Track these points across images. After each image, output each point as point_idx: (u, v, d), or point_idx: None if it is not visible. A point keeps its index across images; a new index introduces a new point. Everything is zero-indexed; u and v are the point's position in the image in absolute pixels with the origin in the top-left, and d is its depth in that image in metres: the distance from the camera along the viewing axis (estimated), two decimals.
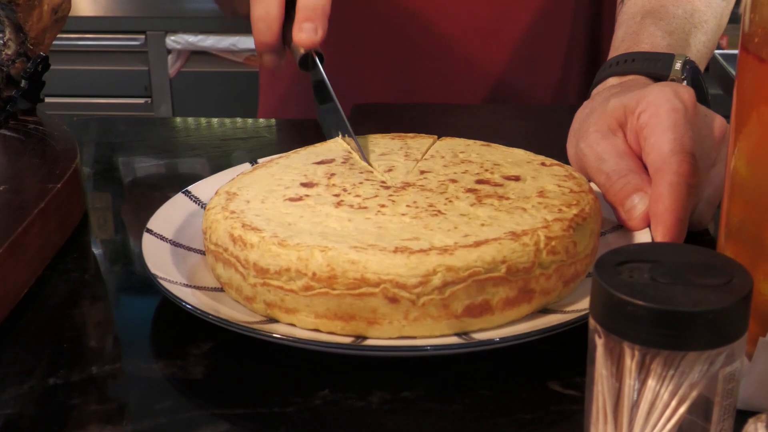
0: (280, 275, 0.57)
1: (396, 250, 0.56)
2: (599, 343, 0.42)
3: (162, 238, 0.67)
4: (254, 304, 0.59)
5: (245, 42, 2.56)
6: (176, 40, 2.61)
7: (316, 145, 0.76)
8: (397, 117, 0.95)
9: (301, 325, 0.58)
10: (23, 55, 0.83)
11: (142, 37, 2.63)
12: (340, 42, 1.11)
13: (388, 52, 1.12)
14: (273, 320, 0.59)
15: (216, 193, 0.68)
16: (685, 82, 0.79)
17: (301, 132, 1.05)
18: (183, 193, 0.73)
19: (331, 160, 0.72)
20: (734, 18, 0.90)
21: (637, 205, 0.67)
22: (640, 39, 0.84)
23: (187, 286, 0.61)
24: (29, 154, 0.78)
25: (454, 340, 0.56)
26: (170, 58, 2.65)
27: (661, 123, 0.67)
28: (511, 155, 0.73)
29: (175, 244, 0.67)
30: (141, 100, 2.68)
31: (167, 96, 2.67)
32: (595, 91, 0.83)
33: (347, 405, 0.54)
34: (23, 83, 0.84)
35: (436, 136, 0.77)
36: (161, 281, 0.60)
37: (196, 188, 0.74)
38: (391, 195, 0.65)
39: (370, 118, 0.97)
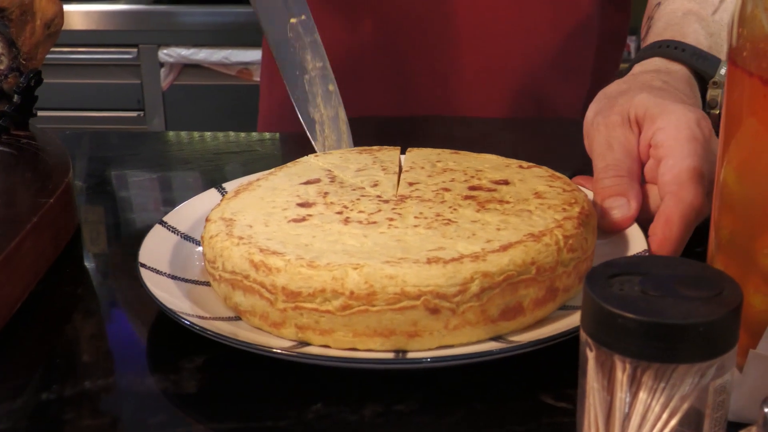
0: (314, 297, 0.56)
1: (429, 261, 0.56)
2: (590, 355, 0.42)
3: (158, 272, 0.64)
4: (283, 329, 0.58)
5: (238, 55, 2.56)
6: (169, 54, 2.61)
7: (289, 165, 0.75)
8: (388, 129, 0.95)
9: (337, 345, 0.57)
10: (16, 70, 0.83)
11: (135, 50, 2.63)
12: (339, 55, 1.12)
13: (384, 66, 1.12)
14: (304, 343, 0.58)
15: (207, 220, 0.66)
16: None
17: (295, 146, 1.05)
18: (160, 224, 0.70)
19: (317, 180, 0.71)
20: None
21: (614, 210, 0.68)
22: (685, 32, 0.84)
23: (203, 318, 0.59)
24: (22, 168, 0.78)
25: (492, 344, 0.57)
26: (163, 71, 2.65)
27: (680, 149, 0.67)
28: (486, 161, 0.74)
29: (173, 277, 0.65)
30: (134, 114, 2.68)
31: (160, 109, 2.67)
32: (638, 68, 0.82)
33: (340, 418, 0.54)
34: (16, 98, 0.84)
35: (399, 147, 0.78)
36: (187, 318, 0.57)
37: (171, 219, 0.72)
38: (393, 208, 0.65)
39: (364, 131, 0.97)
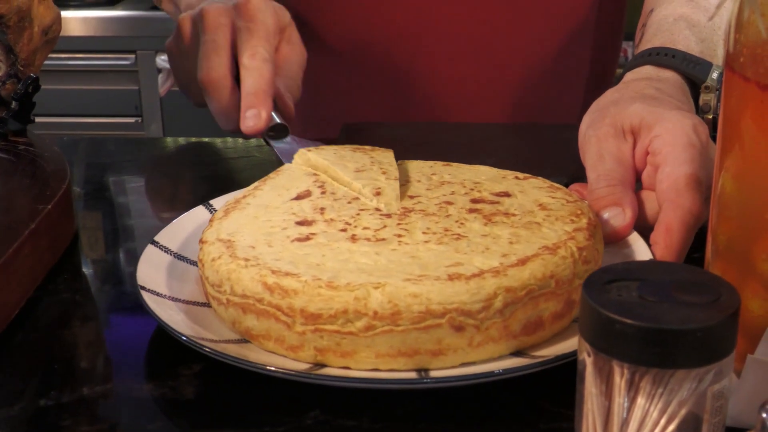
0: (335, 318, 0.55)
1: (451, 278, 0.56)
2: (588, 361, 0.42)
3: (159, 294, 0.63)
4: (301, 353, 0.56)
5: None
6: (166, 60, 2.61)
7: (271, 175, 0.73)
8: (385, 135, 0.95)
9: (359, 366, 0.56)
10: (14, 77, 0.84)
11: (133, 56, 2.63)
12: (333, 61, 1.12)
13: (379, 72, 1.13)
14: (321, 365, 0.57)
15: (203, 241, 0.64)
16: (718, 92, 0.79)
17: None
18: (152, 244, 0.69)
19: (307, 193, 0.69)
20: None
21: (611, 220, 0.68)
22: (676, 39, 0.85)
23: (214, 341, 0.58)
24: (20, 175, 0.78)
25: (515, 360, 0.56)
26: (160, 77, 2.65)
27: (677, 156, 0.68)
28: (481, 172, 0.73)
29: (173, 299, 0.63)
30: (131, 120, 2.68)
31: (157, 115, 2.67)
32: (629, 76, 0.83)
33: (338, 425, 0.54)
34: (13, 104, 0.84)
35: (392, 150, 0.77)
36: (200, 342, 0.57)
37: (163, 238, 0.70)
38: (399, 224, 0.64)
39: (359, 137, 0.97)
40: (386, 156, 0.76)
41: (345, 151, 0.77)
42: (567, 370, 0.51)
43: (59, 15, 0.86)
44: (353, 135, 0.98)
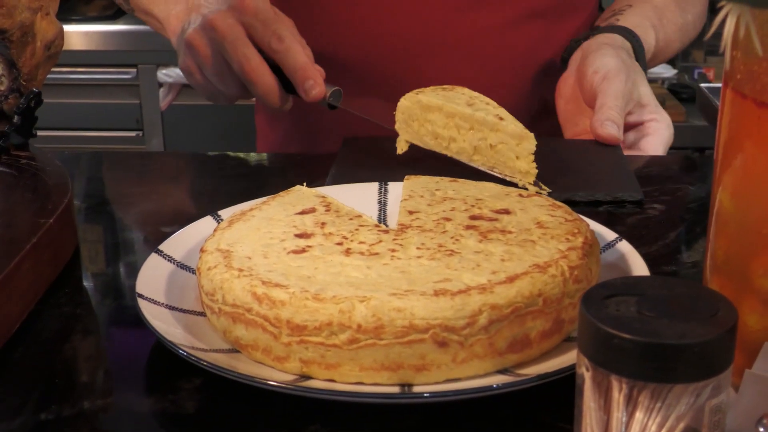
0: (320, 330, 0.55)
1: (436, 294, 0.56)
2: (587, 376, 0.42)
3: (156, 302, 0.63)
4: (287, 364, 0.57)
5: None
6: (168, 74, 2.62)
7: (282, 194, 0.75)
8: (389, 148, 0.95)
9: (343, 379, 0.56)
10: (16, 91, 0.84)
11: (134, 70, 2.64)
12: (332, 74, 1.12)
13: (378, 85, 1.13)
14: (306, 377, 0.57)
15: (203, 250, 0.65)
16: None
17: (292, 166, 1.05)
18: (155, 252, 0.70)
19: (312, 209, 0.71)
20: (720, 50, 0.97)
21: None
22: (627, 19, 1.12)
23: (203, 350, 0.58)
24: (22, 188, 0.79)
25: (499, 377, 0.56)
26: (162, 91, 2.66)
27: (610, 86, 0.99)
28: (485, 189, 0.74)
29: (170, 308, 0.64)
30: (132, 133, 2.69)
31: (159, 129, 2.68)
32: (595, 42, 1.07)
33: None
34: (16, 119, 0.84)
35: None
36: (194, 354, 0.57)
37: (167, 247, 0.71)
38: (394, 239, 0.65)
39: (361, 150, 0.98)
40: (478, 94, 0.86)
41: (443, 91, 0.89)
42: (565, 384, 0.51)
43: (62, 30, 0.86)
44: (355, 148, 0.98)
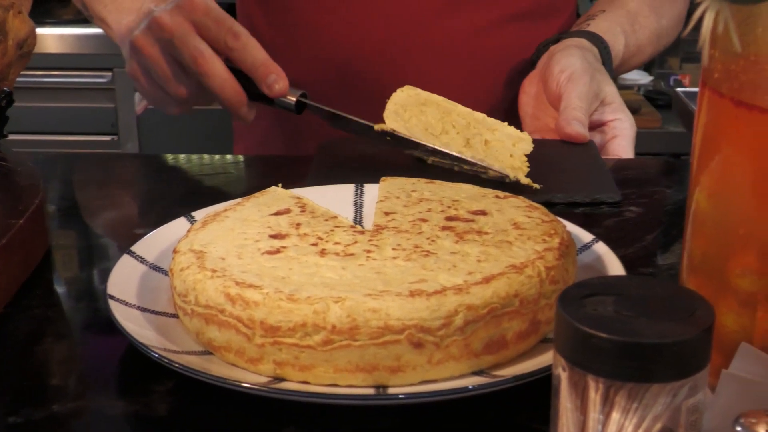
0: (294, 332, 0.55)
1: (412, 294, 0.55)
2: (564, 376, 0.42)
3: (127, 304, 0.62)
4: (260, 366, 0.56)
5: None
6: None
7: (257, 195, 0.74)
8: (364, 152, 0.95)
9: (317, 381, 0.55)
10: None
11: (110, 74, 2.62)
12: (310, 77, 1.12)
13: (356, 88, 1.13)
14: (280, 379, 0.56)
15: (176, 251, 0.65)
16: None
17: (269, 168, 1.05)
18: (128, 254, 0.69)
19: (287, 210, 0.70)
20: (695, 57, 0.99)
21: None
22: (598, 25, 1.13)
23: (175, 352, 0.58)
24: None
25: (475, 379, 0.56)
26: (137, 95, 2.64)
27: (576, 86, 1.00)
28: (461, 190, 0.73)
29: (141, 309, 0.63)
30: (107, 138, 2.67)
31: (134, 133, 2.67)
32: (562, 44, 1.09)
33: None
34: None
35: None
36: (162, 354, 0.56)
37: (140, 248, 0.70)
38: (370, 240, 0.64)
39: (337, 154, 0.97)
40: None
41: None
42: (542, 385, 0.51)
43: (34, 28, 0.85)
44: (330, 152, 0.98)
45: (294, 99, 0.94)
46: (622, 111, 1.04)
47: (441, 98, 0.92)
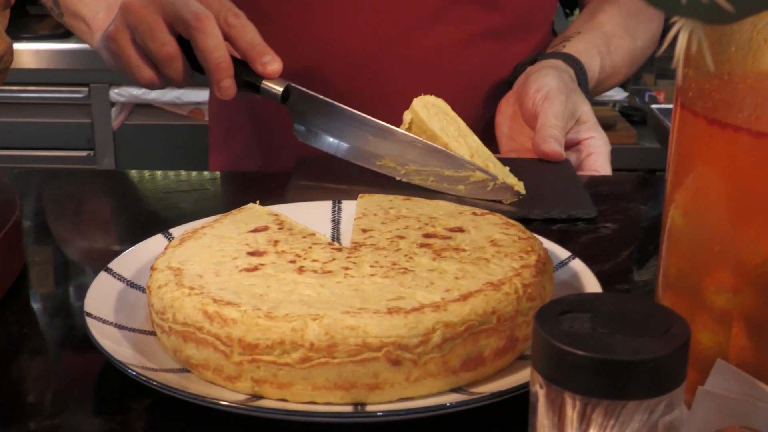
0: (272, 349, 0.54)
1: (390, 312, 0.55)
2: (541, 393, 0.42)
3: (104, 321, 0.62)
4: (238, 383, 0.56)
5: (190, 95, 2.56)
6: (120, 93, 2.60)
7: (234, 212, 0.74)
8: (342, 169, 0.95)
9: (295, 398, 0.55)
10: None
11: (86, 89, 2.61)
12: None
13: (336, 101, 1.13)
14: (258, 397, 0.56)
15: (153, 268, 0.64)
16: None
17: (246, 184, 1.05)
18: (105, 271, 0.68)
19: (265, 227, 0.70)
20: (670, 73, 1.01)
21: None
22: (573, 46, 1.14)
23: (153, 370, 0.57)
24: None
25: (453, 396, 0.56)
26: (114, 110, 2.63)
27: (552, 106, 1.00)
28: (439, 207, 0.74)
29: (119, 327, 0.62)
30: (84, 153, 2.66)
31: (110, 149, 2.66)
32: (539, 65, 1.10)
33: None
34: None
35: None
36: (140, 371, 0.56)
37: (117, 265, 0.70)
38: (348, 257, 0.64)
39: (315, 170, 0.97)
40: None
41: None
42: (519, 402, 0.51)
43: (11, 45, 0.85)
44: (308, 168, 0.98)
45: (281, 88, 0.93)
46: (596, 130, 1.04)
47: (463, 123, 0.95)
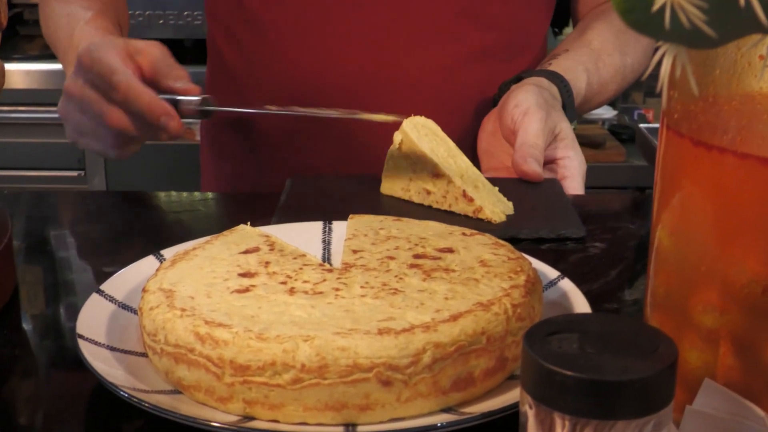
0: (263, 371, 0.55)
1: (380, 332, 0.55)
2: (530, 413, 0.42)
3: (96, 343, 0.62)
4: (230, 405, 0.56)
5: None
6: None
7: (225, 233, 0.74)
8: (333, 188, 0.96)
9: (287, 419, 0.55)
10: None
11: None
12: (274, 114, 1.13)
13: (320, 124, 1.14)
14: (250, 418, 0.56)
15: (145, 290, 0.65)
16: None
17: (237, 205, 1.05)
18: (97, 293, 0.69)
19: (256, 248, 0.70)
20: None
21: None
22: (560, 64, 1.14)
23: (144, 392, 0.57)
24: None
25: (443, 416, 0.56)
26: None
27: (531, 123, 1.00)
28: (429, 228, 0.74)
29: (111, 348, 0.63)
30: (74, 173, 2.66)
31: (101, 169, 2.65)
32: (522, 82, 1.10)
33: None
34: None
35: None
36: (136, 395, 0.56)
37: (109, 287, 0.70)
38: (338, 278, 0.64)
39: (306, 189, 0.98)
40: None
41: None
42: (509, 422, 0.51)
43: (3, 68, 0.85)
44: (299, 188, 0.98)
45: (198, 109, 0.95)
46: (573, 148, 1.04)
47: (452, 143, 0.95)
